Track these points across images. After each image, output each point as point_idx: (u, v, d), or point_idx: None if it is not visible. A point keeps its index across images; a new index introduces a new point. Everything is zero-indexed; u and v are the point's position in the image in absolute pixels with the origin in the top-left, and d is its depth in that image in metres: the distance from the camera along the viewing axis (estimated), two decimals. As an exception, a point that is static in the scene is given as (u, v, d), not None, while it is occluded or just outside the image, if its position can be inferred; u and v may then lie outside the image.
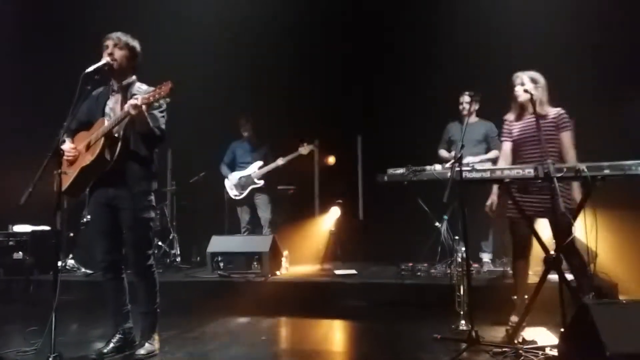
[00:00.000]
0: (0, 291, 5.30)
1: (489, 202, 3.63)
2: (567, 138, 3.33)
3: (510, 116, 3.56)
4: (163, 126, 3.08)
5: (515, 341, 3.07)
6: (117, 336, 3.12)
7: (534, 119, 3.25)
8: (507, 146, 3.55)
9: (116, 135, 2.95)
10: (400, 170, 3.27)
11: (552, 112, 3.37)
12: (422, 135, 5.76)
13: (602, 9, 5.26)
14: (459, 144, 3.18)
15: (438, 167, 3.25)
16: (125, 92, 3.08)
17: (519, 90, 3.39)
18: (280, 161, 5.89)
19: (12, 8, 6.45)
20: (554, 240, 3.29)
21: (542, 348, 2.90)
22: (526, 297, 3.33)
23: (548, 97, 3.41)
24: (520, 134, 3.45)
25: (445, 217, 4.89)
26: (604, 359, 2.15)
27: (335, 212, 6.34)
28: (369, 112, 6.70)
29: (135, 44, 3.10)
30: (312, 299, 4.62)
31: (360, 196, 6.97)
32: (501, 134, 3.64)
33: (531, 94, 3.26)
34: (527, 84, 3.36)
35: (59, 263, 3.20)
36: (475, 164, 3.58)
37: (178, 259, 6.33)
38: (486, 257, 5.21)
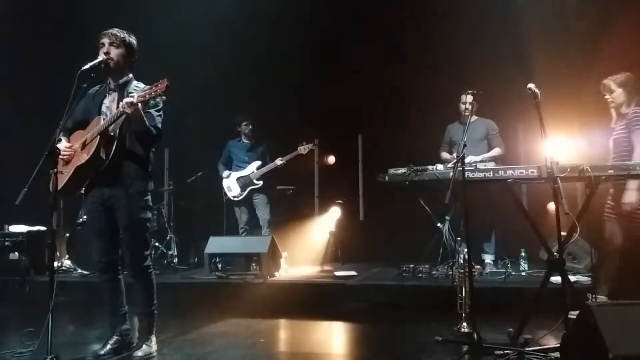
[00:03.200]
0: (-4, 292, 5.26)
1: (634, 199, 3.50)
2: (635, 137, 3.43)
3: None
4: (160, 125, 3.05)
5: (518, 343, 3.03)
6: (114, 338, 3.09)
7: (619, 122, 3.49)
8: None
9: (112, 133, 2.91)
10: (402, 170, 3.25)
11: (629, 112, 3.52)
12: (423, 134, 5.73)
13: (603, 8, 5.23)
14: (461, 144, 3.14)
15: (440, 166, 3.22)
16: (122, 91, 3.04)
17: (608, 98, 3.59)
18: (279, 161, 5.85)
19: (11, 6, 6.41)
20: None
21: (545, 350, 2.87)
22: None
23: (628, 97, 3.54)
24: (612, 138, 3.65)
25: (447, 217, 4.86)
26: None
27: (335, 213, 6.30)
28: (369, 111, 6.66)
29: (132, 40, 3.06)
30: (311, 301, 4.58)
31: (360, 196, 6.93)
32: None
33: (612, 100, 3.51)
34: (615, 89, 3.56)
35: (55, 263, 3.16)
36: (477, 163, 3.55)
37: (175, 260, 6.28)
38: (488, 258, 5.18)
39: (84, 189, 3.06)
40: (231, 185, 6.05)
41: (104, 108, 3.04)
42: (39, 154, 2.73)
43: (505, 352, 2.88)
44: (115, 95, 3.06)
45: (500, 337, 3.25)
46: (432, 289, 4.50)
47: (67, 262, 5.76)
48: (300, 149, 5.83)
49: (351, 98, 6.55)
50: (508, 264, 4.85)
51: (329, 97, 6.60)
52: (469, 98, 4.83)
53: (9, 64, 6.30)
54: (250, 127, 6.12)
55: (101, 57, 2.93)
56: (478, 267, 5.03)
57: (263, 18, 6.45)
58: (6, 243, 5.61)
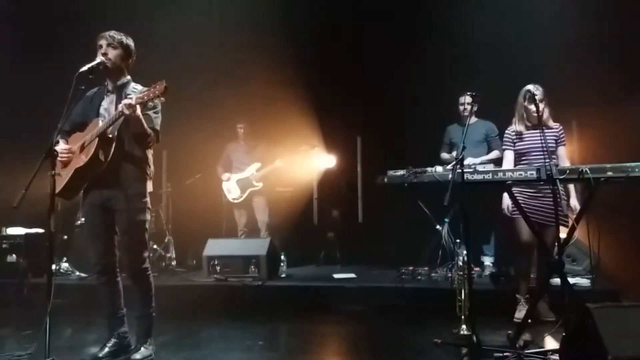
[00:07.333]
0: (-6, 294, 5.24)
1: (505, 205, 3.79)
2: (563, 151, 3.73)
3: (515, 127, 3.80)
4: (158, 127, 3.05)
5: (517, 345, 3.03)
6: (112, 340, 3.09)
7: (539, 131, 3.47)
8: (511, 155, 3.83)
9: (110, 135, 2.91)
10: (400, 172, 3.24)
11: (555, 125, 3.71)
12: (422, 136, 5.72)
13: (603, 8, 5.23)
14: (460, 146, 3.14)
15: (439, 168, 3.21)
16: (120, 93, 3.03)
17: (541, 106, 3.54)
18: (278, 163, 5.85)
19: (10, 7, 6.41)
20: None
21: (544, 352, 2.88)
22: (527, 296, 3.57)
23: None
24: (525, 145, 3.72)
25: (446, 219, 4.86)
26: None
27: (334, 215, 6.29)
28: (368, 113, 6.66)
29: (130, 42, 3.05)
30: (310, 304, 4.58)
31: (359, 198, 6.92)
32: (504, 143, 3.91)
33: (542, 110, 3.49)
34: (543, 98, 3.60)
35: (53, 266, 3.16)
36: (477, 165, 3.54)
37: (174, 263, 6.27)
38: (488, 260, 5.18)
39: (82, 191, 3.06)
40: (231, 188, 6.04)
41: (102, 110, 3.04)
42: (37, 156, 2.72)
43: (505, 354, 2.87)
44: (113, 97, 3.05)
45: (499, 339, 3.26)
46: (431, 292, 4.50)
47: (64, 265, 5.74)
48: (300, 151, 5.83)
49: (350, 100, 6.56)
50: (507, 266, 4.85)
51: (328, 98, 6.60)
52: (468, 99, 4.86)
53: (7, 66, 6.28)
54: (243, 130, 6.11)
55: (99, 58, 2.93)
56: (477, 269, 5.02)
57: (263, 19, 6.45)
58: (4, 245, 5.58)
